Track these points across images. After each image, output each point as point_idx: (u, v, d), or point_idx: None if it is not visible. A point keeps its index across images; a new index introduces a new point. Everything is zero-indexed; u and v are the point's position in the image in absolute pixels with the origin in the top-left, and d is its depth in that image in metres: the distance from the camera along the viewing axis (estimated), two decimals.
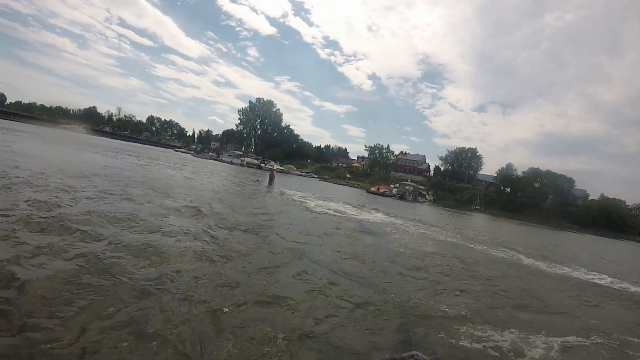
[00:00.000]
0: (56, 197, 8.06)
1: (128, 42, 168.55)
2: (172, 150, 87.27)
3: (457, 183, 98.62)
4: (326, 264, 7.29)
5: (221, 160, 78.07)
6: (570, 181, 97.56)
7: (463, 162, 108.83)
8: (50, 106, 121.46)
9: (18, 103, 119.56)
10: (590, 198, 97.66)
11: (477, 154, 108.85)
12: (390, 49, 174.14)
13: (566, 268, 12.67)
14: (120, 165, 19.36)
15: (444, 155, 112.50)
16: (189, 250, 6.41)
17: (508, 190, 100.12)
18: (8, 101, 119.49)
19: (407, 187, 64.76)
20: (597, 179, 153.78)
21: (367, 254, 8.44)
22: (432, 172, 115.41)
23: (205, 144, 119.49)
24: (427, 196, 73.37)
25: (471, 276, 8.51)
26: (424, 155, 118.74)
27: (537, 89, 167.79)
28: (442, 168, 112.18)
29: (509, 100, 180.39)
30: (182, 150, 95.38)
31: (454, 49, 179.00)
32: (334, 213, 15.21)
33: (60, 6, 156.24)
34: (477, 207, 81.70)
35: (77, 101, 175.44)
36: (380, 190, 59.70)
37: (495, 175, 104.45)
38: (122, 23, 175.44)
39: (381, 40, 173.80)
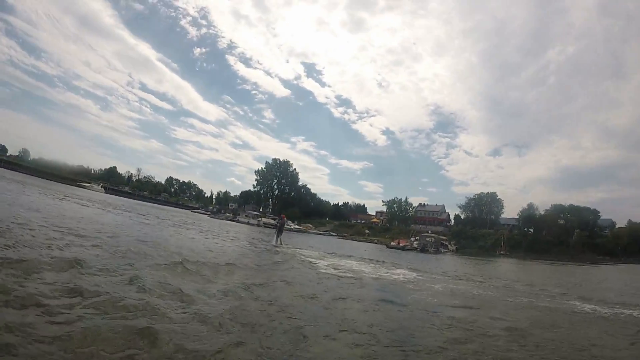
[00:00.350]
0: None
1: (148, 106, 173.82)
2: (189, 211, 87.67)
3: (478, 230, 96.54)
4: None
5: (237, 221, 78.04)
6: (595, 212, 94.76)
7: (483, 207, 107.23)
8: (73, 164, 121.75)
9: (41, 159, 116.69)
10: (617, 226, 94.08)
11: (497, 198, 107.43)
12: (401, 103, 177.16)
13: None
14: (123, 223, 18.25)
15: (463, 203, 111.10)
16: None
17: (532, 231, 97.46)
18: (32, 156, 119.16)
19: (428, 239, 63.54)
20: (622, 206, 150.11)
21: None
22: (452, 221, 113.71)
23: (223, 205, 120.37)
24: (449, 246, 71.69)
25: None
26: (443, 205, 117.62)
27: (548, 126, 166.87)
28: (462, 216, 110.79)
29: (523, 141, 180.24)
30: (199, 211, 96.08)
31: (463, 96, 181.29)
32: (350, 275, 13.11)
33: (85, 69, 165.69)
34: (502, 252, 79.14)
35: (98, 161, 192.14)
36: (401, 244, 58.55)
37: (517, 217, 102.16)
38: (143, 87, 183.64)
39: (392, 95, 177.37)
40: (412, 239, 66.29)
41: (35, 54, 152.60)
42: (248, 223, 76.71)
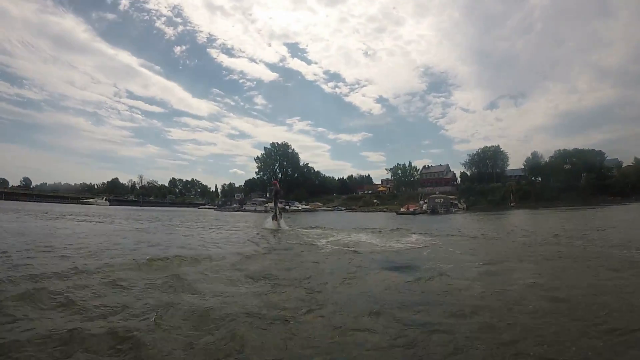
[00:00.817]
0: None
1: (139, 112, 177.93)
2: (196, 209, 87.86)
3: (486, 184, 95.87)
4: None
5: (244, 210, 78.42)
6: (600, 154, 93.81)
7: (488, 162, 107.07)
8: (75, 184, 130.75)
9: (43, 185, 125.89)
10: (624, 165, 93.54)
11: (500, 150, 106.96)
12: (390, 69, 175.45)
13: None
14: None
15: (467, 160, 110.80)
16: None
17: (539, 179, 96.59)
18: (34, 184, 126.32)
19: (437, 200, 62.69)
20: (625, 145, 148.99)
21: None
22: (458, 179, 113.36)
23: (230, 197, 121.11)
24: (459, 205, 70.85)
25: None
26: (447, 165, 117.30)
27: (542, 72, 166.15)
28: (468, 173, 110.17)
29: (518, 90, 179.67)
30: (205, 206, 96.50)
31: (451, 53, 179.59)
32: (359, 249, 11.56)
33: (69, 88, 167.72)
34: (512, 204, 78.44)
35: (100, 175, 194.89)
36: (411, 209, 57.94)
37: (523, 167, 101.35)
38: (131, 95, 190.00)
39: (380, 63, 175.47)
40: (421, 202, 65.47)
41: (17, 82, 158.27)
42: (255, 210, 76.59)
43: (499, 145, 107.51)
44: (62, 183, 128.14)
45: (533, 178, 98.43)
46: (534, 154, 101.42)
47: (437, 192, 78.13)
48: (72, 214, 30.67)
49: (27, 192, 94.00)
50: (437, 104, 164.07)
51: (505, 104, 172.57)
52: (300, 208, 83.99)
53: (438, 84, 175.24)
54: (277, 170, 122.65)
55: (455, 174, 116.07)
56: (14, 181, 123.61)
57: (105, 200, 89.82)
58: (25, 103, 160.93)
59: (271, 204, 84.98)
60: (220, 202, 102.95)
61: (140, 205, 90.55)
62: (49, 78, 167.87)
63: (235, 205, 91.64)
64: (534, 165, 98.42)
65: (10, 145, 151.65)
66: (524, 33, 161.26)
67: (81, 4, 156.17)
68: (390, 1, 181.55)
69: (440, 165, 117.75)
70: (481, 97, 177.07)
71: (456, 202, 71.67)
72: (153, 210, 55.70)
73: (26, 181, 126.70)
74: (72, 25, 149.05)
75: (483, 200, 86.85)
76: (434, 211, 57.09)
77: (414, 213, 55.17)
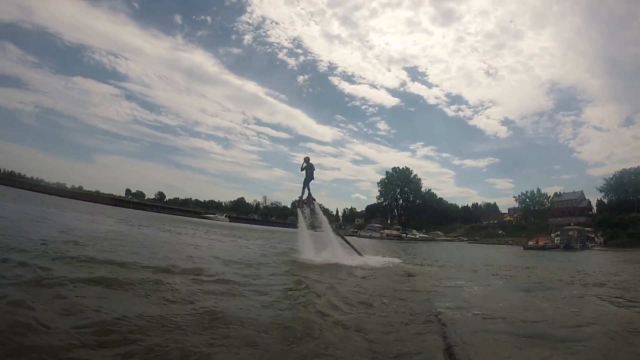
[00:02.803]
0: None
1: (266, 137, 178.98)
2: (312, 231, 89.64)
3: (625, 215, 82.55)
4: None
5: (359, 235, 76.79)
6: None
7: (628, 187, 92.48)
8: (204, 200, 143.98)
9: (176, 199, 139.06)
10: None
11: None
12: (514, 88, 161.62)
13: None
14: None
15: (603, 185, 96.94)
16: None
17: None
18: (167, 198, 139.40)
19: (570, 233, 56.18)
20: None
21: None
22: (594, 209, 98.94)
23: (350, 222, 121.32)
24: (595, 239, 62.29)
25: None
26: (581, 192, 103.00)
27: None
28: (605, 201, 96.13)
29: None
30: (320, 230, 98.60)
31: (578, 65, 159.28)
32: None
33: (202, 115, 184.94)
34: None
35: (228, 194, 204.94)
36: (540, 243, 52.24)
37: None
38: (258, 122, 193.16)
39: (503, 82, 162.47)
40: (553, 234, 59.07)
41: (156, 110, 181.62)
42: (370, 237, 74.91)
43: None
44: (193, 199, 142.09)
45: None
46: None
47: (571, 224, 69.81)
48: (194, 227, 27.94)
49: (160, 205, 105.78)
50: (566, 124, 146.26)
51: None
52: (417, 237, 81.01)
53: (566, 100, 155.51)
54: (398, 196, 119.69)
55: (590, 202, 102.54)
56: (149, 194, 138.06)
57: (225, 216, 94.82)
58: (163, 128, 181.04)
59: (387, 231, 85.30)
60: (336, 226, 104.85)
61: (260, 224, 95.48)
62: (183, 106, 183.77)
63: (351, 229, 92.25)
64: None
65: (149, 163, 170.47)
66: None
67: (209, 41, 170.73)
68: (506, 14, 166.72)
69: (574, 192, 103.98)
70: (615, 112, 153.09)
71: (592, 235, 63.05)
72: (268, 231, 58.28)
73: (160, 195, 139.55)
74: (201, 59, 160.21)
75: (622, 233, 75.00)
76: (568, 246, 49.88)
77: (544, 247, 49.30)
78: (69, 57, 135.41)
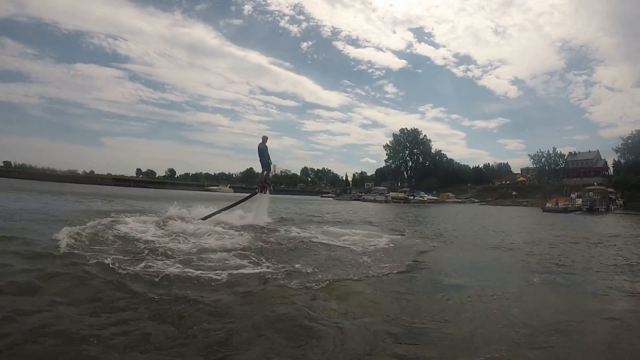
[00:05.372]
0: None
1: (274, 107, 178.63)
2: (319, 197, 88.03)
3: None
4: None
5: (363, 200, 73.63)
6: None
7: None
8: (214, 173, 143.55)
9: (187, 175, 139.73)
10: None
11: None
12: (524, 46, 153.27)
13: None
14: None
15: (619, 145, 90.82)
16: None
17: None
18: (178, 174, 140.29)
19: (591, 195, 50.48)
20: None
21: None
22: (610, 169, 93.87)
23: (360, 186, 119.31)
24: (617, 201, 57.04)
25: None
26: (597, 151, 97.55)
27: None
28: (622, 162, 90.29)
29: None
30: (329, 195, 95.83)
31: (590, 23, 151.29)
32: None
33: (207, 89, 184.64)
34: None
35: (239, 165, 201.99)
36: (561, 205, 46.38)
37: None
38: (264, 91, 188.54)
39: (512, 40, 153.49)
40: (573, 195, 53.75)
41: (160, 88, 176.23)
42: (375, 200, 71.38)
43: None
44: (203, 173, 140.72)
45: None
46: None
47: (594, 184, 64.39)
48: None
49: (170, 182, 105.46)
50: (578, 83, 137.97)
51: None
52: (425, 199, 75.74)
53: (578, 59, 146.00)
54: (407, 157, 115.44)
55: (606, 162, 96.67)
56: (160, 171, 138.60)
57: (229, 187, 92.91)
58: (169, 105, 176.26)
59: (393, 194, 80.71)
60: (339, 191, 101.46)
61: (271, 193, 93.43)
62: (187, 82, 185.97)
63: (354, 194, 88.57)
64: None
65: (158, 141, 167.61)
66: None
67: (208, 14, 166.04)
68: None
69: (589, 151, 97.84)
70: (629, 72, 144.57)
71: (614, 197, 57.82)
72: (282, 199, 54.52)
73: (171, 172, 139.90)
74: (202, 33, 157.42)
75: None
76: (592, 208, 44.16)
77: (565, 210, 43.43)
78: (68, 45, 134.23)
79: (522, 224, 26.45)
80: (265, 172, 15.26)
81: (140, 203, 23.10)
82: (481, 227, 21.27)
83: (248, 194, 15.69)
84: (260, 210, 14.40)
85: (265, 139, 14.99)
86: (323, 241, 10.21)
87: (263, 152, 14.63)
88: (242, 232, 10.39)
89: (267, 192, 15.21)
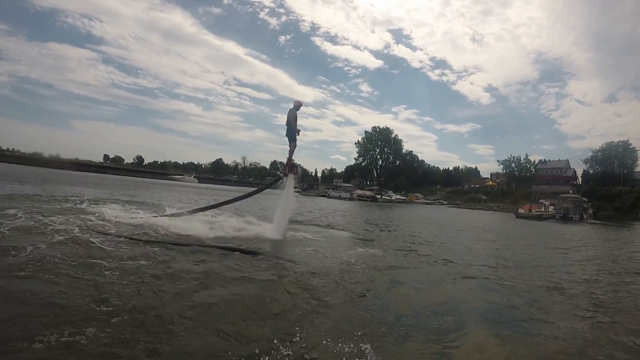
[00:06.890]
0: None
1: (248, 99, 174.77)
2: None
3: (612, 188, 77.79)
4: None
5: (329, 196, 70.73)
6: None
7: (614, 160, 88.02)
8: (183, 162, 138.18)
9: (155, 162, 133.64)
10: None
11: (631, 147, 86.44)
12: (499, 55, 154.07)
13: None
14: None
15: (589, 156, 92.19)
16: None
17: None
18: (146, 161, 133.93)
19: (567, 203, 47.88)
20: None
21: None
22: (579, 179, 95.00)
23: (329, 183, 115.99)
24: (588, 210, 55.45)
25: None
26: (567, 160, 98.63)
27: None
28: (590, 172, 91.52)
29: None
30: (295, 190, 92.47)
31: (566, 38, 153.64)
32: None
33: (181, 77, 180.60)
34: None
35: (209, 156, 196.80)
36: (534, 212, 44.16)
37: None
38: (239, 82, 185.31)
39: (488, 48, 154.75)
40: (545, 202, 51.36)
41: (133, 72, 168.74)
42: (339, 197, 68.04)
43: (628, 141, 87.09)
44: (172, 161, 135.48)
45: None
46: None
47: (570, 192, 62.83)
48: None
49: (137, 169, 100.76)
50: (550, 95, 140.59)
51: (625, 97, 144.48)
52: (393, 198, 72.99)
53: (551, 72, 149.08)
54: (378, 156, 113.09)
55: (575, 171, 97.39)
56: (129, 159, 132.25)
57: (194, 177, 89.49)
58: (141, 91, 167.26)
59: (359, 191, 77.27)
60: (305, 186, 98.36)
61: (238, 185, 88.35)
62: (162, 68, 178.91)
63: (320, 190, 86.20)
64: None
65: (128, 127, 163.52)
66: None
67: (187, 0, 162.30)
68: None
69: (560, 160, 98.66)
70: (599, 87, 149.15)
71: (587, 206, 56.18)
72: (233, 190, 50.06)
73: (139, 159, 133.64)
74: (180, 20, 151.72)
75: (608, 206, 70.52)
76: (565, 216, 41.79)
77: (539, 217, 41.12)
78: (42, 23, 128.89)
79: (497, 228, 23.73)
80: (293, 147, 11.45)
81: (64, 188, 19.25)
82: (471, 246, 17.29)
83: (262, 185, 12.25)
84: (283, 213, 10.46)
85: (298, 105, 11.50)
86: None
87: (293, 122, 11.28)
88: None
89: (294, 177, 11.50)
